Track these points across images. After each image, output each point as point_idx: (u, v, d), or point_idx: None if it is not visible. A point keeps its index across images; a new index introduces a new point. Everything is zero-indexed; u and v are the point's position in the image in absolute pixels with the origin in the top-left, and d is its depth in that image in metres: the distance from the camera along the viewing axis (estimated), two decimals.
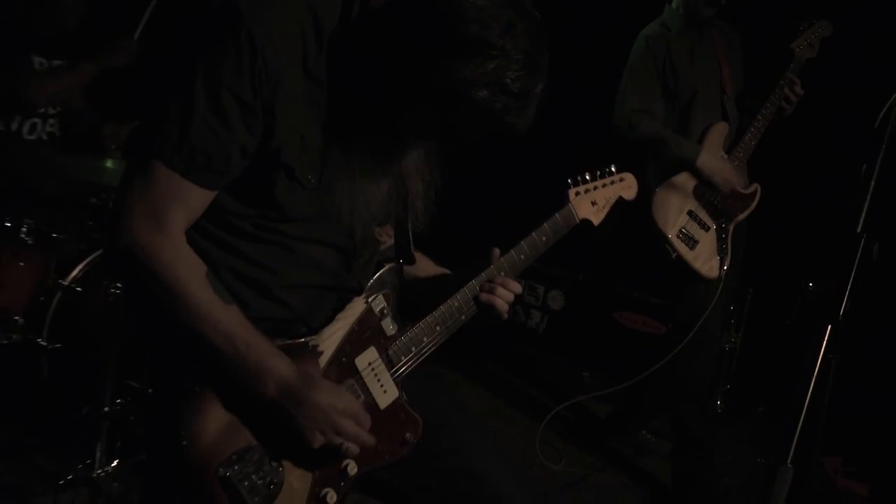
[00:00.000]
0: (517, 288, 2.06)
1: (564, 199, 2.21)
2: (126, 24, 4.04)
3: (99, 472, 3.20)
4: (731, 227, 3.96)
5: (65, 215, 3.80)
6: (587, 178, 2.26)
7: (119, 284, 3.27)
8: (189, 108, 1.65)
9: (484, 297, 2.02)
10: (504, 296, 2.03)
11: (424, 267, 2.14)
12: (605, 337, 5.76)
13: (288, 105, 1.70)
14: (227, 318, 1.70)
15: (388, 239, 2.11)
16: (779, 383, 5.43)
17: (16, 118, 4.00)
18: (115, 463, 3.26)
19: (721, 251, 3.92)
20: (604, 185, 2.29)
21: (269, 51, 1.64)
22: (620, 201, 2.35)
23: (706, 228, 3.89)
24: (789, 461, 2.10)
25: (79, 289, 3.63)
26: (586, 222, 2.26)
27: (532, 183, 4.57)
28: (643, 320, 5.68)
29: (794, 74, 3.85)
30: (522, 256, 2.10)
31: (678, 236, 3.84)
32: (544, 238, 2.13)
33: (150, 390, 3.19)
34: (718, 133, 3.95)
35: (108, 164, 3.57)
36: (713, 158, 3.85)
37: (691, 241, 3.85)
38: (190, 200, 1.70)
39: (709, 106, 3.98)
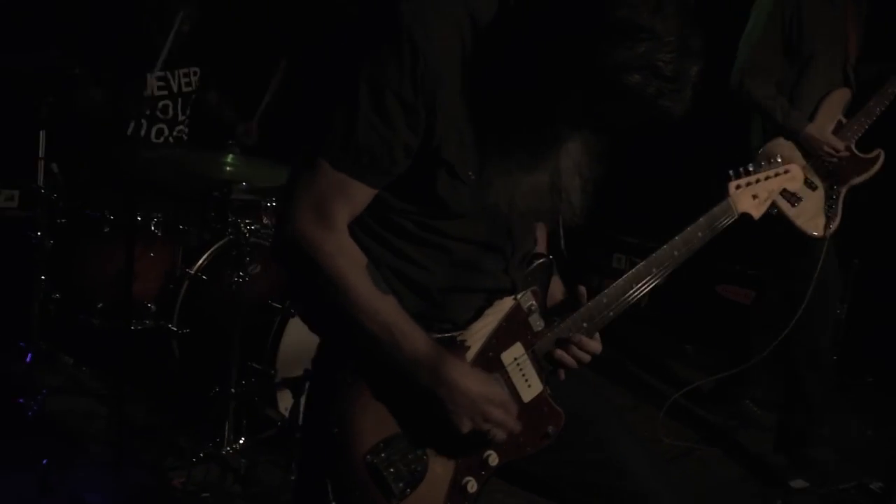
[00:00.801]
0: (595, 348, 1.97)
1: (724, 193, 2.12)
2: (232, 28, 4.27)
3: (227, 449, 3.42)
4: (844, 190, 3.91)
5: (189, 208, 4.05)
6: (750, 169, 2.16)
7: (241, 273, 3.48)
8: (354, 109, 1.69)
9: (558, 353, 1.96)
10: (579, 356, 1.96)
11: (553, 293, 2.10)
12: (709, 311, 5.79)
13: (447, 103, 1.72)
14: (384, 308, 1.76)
15: (543, 237, 2.13)
16: (888, 353, 5.42)
17: (142, 123, 4.28)
18: (241, 440, 3.48)
19: (829, 211, 3.86)
20: (766, 178, 2.18)
21: (429, 52, 1.67)
22: (784, 193, 2.27)
23: (813, 187, 3.85)
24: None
25: (204, 277, 3.86)
26: (746, 216, 2.17)
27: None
28: (746, 293, 5.68)
29: None
30: (676, 252, 2.02)
31: (780, 193, 3.80)
32: (700, 234, 2.05)
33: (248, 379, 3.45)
34: (838, 101, 3.88)
35: (229, 159, 3.77)
36: (821, 129, 3.79)
37: (794, 198, 3.63)
38: (354, 197, 1.76)
39: (830, 71, 3.90)
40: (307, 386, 2.29)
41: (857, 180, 3.93)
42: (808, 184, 3.86)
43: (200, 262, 3.90)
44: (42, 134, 3.58)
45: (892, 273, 5.41)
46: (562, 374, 2.01)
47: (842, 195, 3.91)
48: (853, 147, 3.89)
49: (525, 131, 1.76)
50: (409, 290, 1.86)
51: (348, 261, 1.77)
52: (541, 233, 2.12)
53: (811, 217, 3.86)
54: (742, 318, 5.59)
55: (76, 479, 3.22)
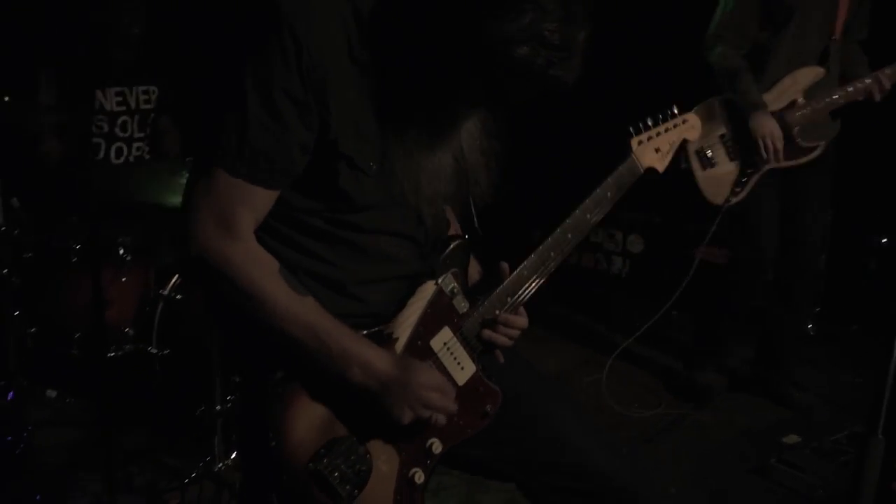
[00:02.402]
0: (522, 324, 2.00)
1: (626, 150, 2.12)
2: (181, 43, 4.22)
3: (220, 465, 3.41)
4: (765, 168, 3.92)
5: (156, 229, 4.01)
6: (649, 124, 2.16)
7: None
8: (243, 112, 1.67)
9: (487, 334, 1.98)
10: (508, 333, 1.99)
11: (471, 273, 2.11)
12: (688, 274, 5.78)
13: (339, 95, 1.71)
14: (305, 311, 1.75)
15: (454, 218, 2.13)
16: (871, 300, 5.44)
17: (100, 143, 4.24)
18: (233, 455, 3.47)
19: (737, 185, 3.93)
20: (667, 130, 2.18)
21: (313, 44, 1.66)
22: (684, 143, 2.25)
23: (731, 157, 3.90)
24: (880, 432, 2.00)
25: (178, 296, 3.84)
26: (651, 171, 2.17)
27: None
28: (725, 252, 5.68)
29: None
30: (588, 215, 2.04)
31: (696, 152, 3.87)
32: (609, 193, 2.07)
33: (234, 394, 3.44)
34: (802, 79, 3.85)
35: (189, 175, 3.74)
36: (767, 120, 3.80)
37: (708, 162, 3.87)
38: (256, 202, 1.74)
39: (805, 45, 3.87)
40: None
41: (784, 165, 3.94)
42: (729, 153, 3.91)
43: (173, 281, 3.88)
44: None
45: (867, 219, 5.42)
46: (499, 355, 2.03)
47: (759, 173, 3.94)
48: (795, 132, 3.87)
49: (422, 115, 1.76)
50: (327, 289, 1.85)
51: (260, 268, 1.75)
52: (450, 214, 2.11)
53: (717, 184, 3.93)
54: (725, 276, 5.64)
55: None
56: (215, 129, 1.71)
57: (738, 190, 3.94)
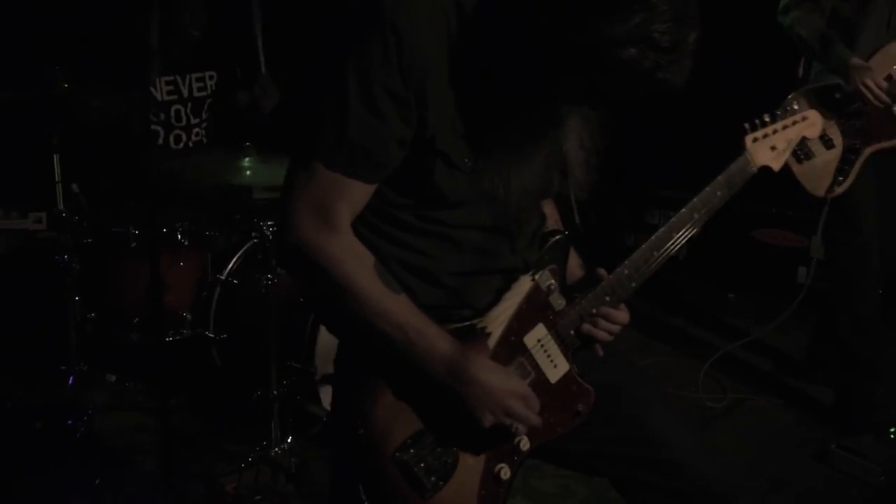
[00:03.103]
0: (623, 319, 1.96)
1: (740, 147, 2.06)
2: (243, 30, 4.23)
3: (276, 449, 3.44)
4: (867, 152, 3.67)
5: (213, 214, 4.05)
6: (766, 120, 2.09)
7: (269, 275, 3.48)
8: (343, 105, 1.67)
9: (586, 328, 1.95)
10: (608, 328, 1.95)
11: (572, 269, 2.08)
12: (747, 256, 5.73)
13: (438, 92, 1.69)
14: (396, 308, 1.76)
15: (552, 213, 2.10)
16: None
17: (159, 130, 4.27)
18: (289, 440, 3.50)
19: (840, 172, 3.67)
20: (784, 127, 2.11)
21: (414, 41, 1.64)
22: (803, 141, 2.18)
23: (829, 146, 3.66)
24: None
25: (235, 281, 3.88)
26: (766, 169, 2.10)
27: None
28: (783, 235, 5.62)
29: None
30: (696, 215, 1.99)
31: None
32: (719, 193, 2.01)
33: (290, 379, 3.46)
34: (895, 54, 3.60)
35: (246, 161, 3.76)
36: (865, 69, 3.52)
37: (806, 154, 3.65)
38: (353, 195, 1.74)
39: (892, 16, 3.64)
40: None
41: (886, 145, 3.67)
42: (825, 141, 3.66)
43: (230, 266, 3.92)
44: (56, 158, 3.58)
45: None
46: (599, 349, 2.00)
47: (862, 157, 3.67)
48: (894, 108, 3.58)
49: (520, 114, 1.73)
50: (421, 281, 1.85)
51: (355, 262, 1.76)
52: (550, 209, 2.08)
53: (817, 176, 3.69)
54: (781, 260, 5.57)
55: (129, 495, 3.28)
56: (315, 123, 1.72)
57: (841, 179, 3.70)
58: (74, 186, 3.75)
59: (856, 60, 3.54)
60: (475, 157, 1.75)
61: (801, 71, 3.91)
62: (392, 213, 1.82)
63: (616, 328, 1.97)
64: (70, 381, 3.74)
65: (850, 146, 3.68)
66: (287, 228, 1.76)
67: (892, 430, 3.62)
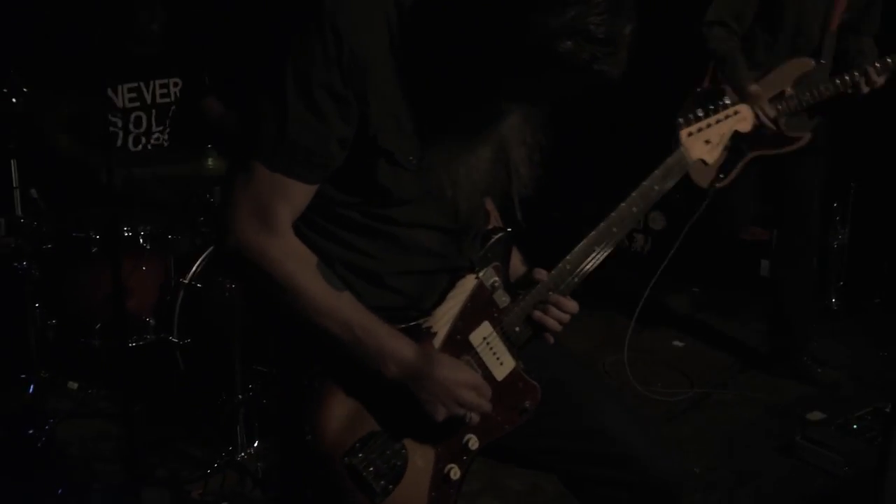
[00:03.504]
0: (573, 308, 1.97)
1: (675, 142, 2.09)
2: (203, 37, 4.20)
3: (242, 454, 3.41)
4: (752, 154, 4.06)
5: (176, 216, 4.00)
6: (699, 114, 2.12)
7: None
8: (283, 105, 1.67)
9: (537, 315, 1.96)
10: (558, 317, 1.96)
11: (515, 267, 2.09)
12: (710, 250, 5.75)
13: (379, 90, 1.69)
14: (341, 306, 1.75)
15: (494, 211, 2.11)
16: (894, 273, 5.39)
17: (118, 134, 4.22)
18: (255, 444, 3.47)
19: (724, 169, 4.04)
20: (717, 121, 2.14)
21: (354, 39, 1.65)
22: (735, 136, 2.20)
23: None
24: None
25: (199, 285, 3.84)
26: (701, 162, 2.14)
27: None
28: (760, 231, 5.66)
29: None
30: (634, 209, 2.01)
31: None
32: (656, 187, 2.03)
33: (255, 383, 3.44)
34: (791, 70, 3.91)
35: (209, 162, 3.73)
36: (758, 93, 3.83)
37: None
38: (293, 196, 1.73)
39: (799, 38, 3.92)
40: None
41: (768, 152, 4.05)
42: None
43: (193, 270, 3.87)
44: (14, 163, 3.53)
45: (890, 193, 5.36)
46: (549, 337, 2.00)
47: (745, 159, 4.07)
48: (781, 123, 3.92)
49: (463, 110, 1.73)
50: (365, 282, 1.84)
51: (298, 263, 1.75)
52: (491, 207, 2.09)
53: (704, 169, 3.94)
54: (746, 253, 5.61)
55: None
56: (254, 123, 1.72)
57: (722, 176, 4.06)
58: (33, 191, 3.70)
59: (752, 87, 3.84)
60: (420, 155, 1.75)
61: (706, 81, 4.22)
62: (337, 212, 1.81)
63: (566, 317, 1.98)
64: (31, 390, 3.69)
65: (737, 148, 4.00)
66: (226, 231, 1.74)
67: (856, 423, 3.67)
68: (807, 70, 3.90)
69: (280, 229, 1.73)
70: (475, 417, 1.85)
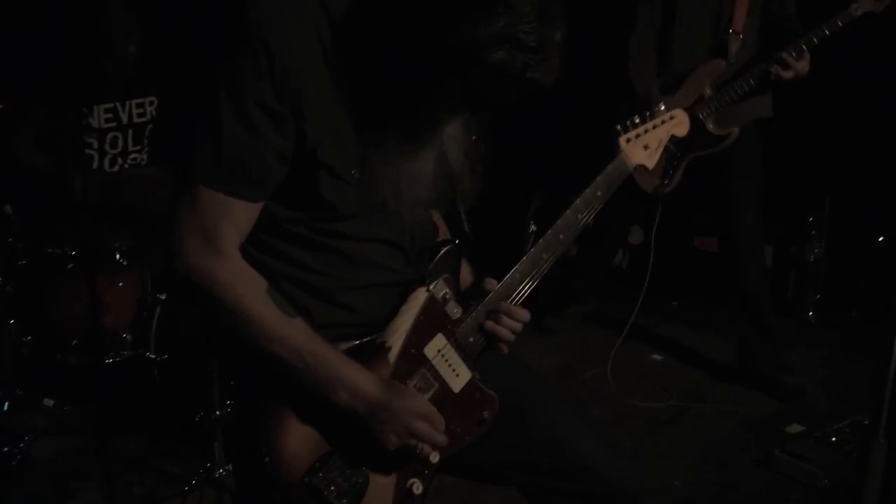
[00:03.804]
0: (525, 316, 1.97)
1: (615, 148, 2.12)
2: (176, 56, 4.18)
3: (220, 471, 3.38)
4: (688, 157, 4.18)
5: (150, 231, 3.98)
6: (636, 121, 2.15)
7: None
8: (217, 125, 1.65)
9: (489, 325, 1.96)
10: (511, 326, 1.96)
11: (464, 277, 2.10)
12: (689, 264, 5.79)
13: (315, 104, 1.68)
14: (292, 333, 1.74)
15: (441, 223, 2.10)
16: (870, 286, 5.43)
17: (93, 155, 4.19)
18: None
19: (666, 174, 4.18)
20: (654, 127, 2.18)
21: (285, 53, 1.64)
22: (673, 139, 2.24)
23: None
24: (881, 436, 1.94)
25: (176, 301, 3.81)
26: (641, 168, 2.18)
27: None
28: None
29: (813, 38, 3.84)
30: (579, 215, 2.02)
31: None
32: (599, 193, 2.05)
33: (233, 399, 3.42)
34: (704, 74, 4.06)
35: None
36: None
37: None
38: (237, 216, 1.72)
39: (694, 40, 4.11)
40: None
41: (702, 153, 4.15)
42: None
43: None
44: None
45: (865, 206, 5.41)
46: (504, 347, 2.00)
47: (684, 162, 4.18)
48: (708, 124, 4.06)
49: (400, 120, 1.73)
50: (315, 299, 1.83)
51: (247, 287, 1.73)
52: (438, 219, 2.09)
53: (649, 176, 4.07)
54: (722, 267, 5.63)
55: None
56: (192, 144, 1.70)
57: (667, 182, 4.19)
58: (7, 208, 3.67)
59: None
60: (362, 168, 1.75)
61: None
62: (283, 229, 1.80)
63: (518, 326, 1.98)
64: (5, 407, 3.65)
65: (674, 154, 4.13)
66: (174, 255, 1.71)
67: (834, 435, 3.68)
68: (719, 71, 4.05)
69: (226, 251, 1.71)
70: (426, 449, 1.84)
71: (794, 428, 3.87)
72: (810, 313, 5.44)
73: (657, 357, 4.96)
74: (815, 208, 5.31)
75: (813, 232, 5.35)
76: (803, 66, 3.86)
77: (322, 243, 1.81)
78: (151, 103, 4.33)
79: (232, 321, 1.73)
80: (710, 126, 4.07)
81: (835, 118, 4.28)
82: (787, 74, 3.88)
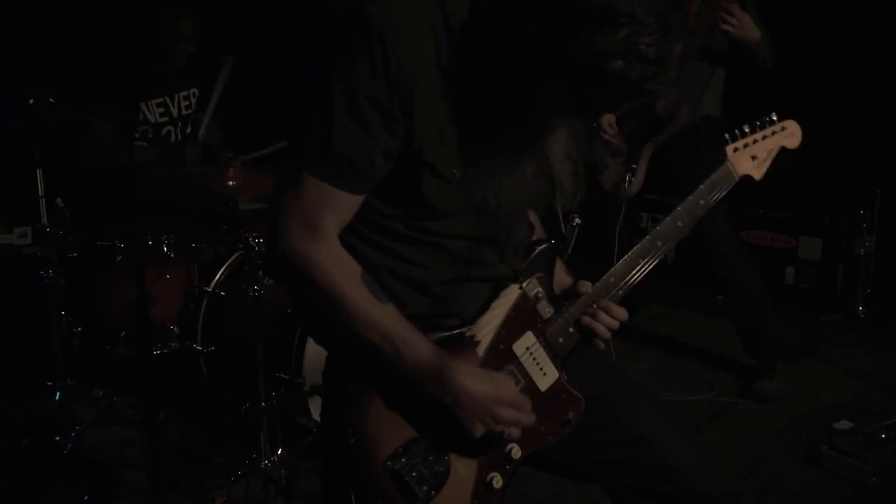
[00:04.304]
0: (622, 315, 1.96)
1: (722, 157, 2.11)
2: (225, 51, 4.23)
3: (266, 462, 3.42)
4: (647, 150, 4.12)
5: (200, 225, 4.03)
6: (746, 130, 2.14)
7: (256, 286, 3.46)
8: (329, 118, 1.68)
9: (586, 320, 1.95)
10: (608, 322, 1.95)
11: (560, 279, 2.08)
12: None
13: (425, 103, 1.69)
14: (383, 318, 1.76)
15: (538, 223, 2.11)
16: None
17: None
18: (279, 452, 3.48)
19: (629, 173, 4.10)
20: (764, 137, 2.16)
21: (401, 53, 1.65)
22: (783, 151, 2.20)
23: (617, 154, 4.13)
24: None
25: (222, 293, 3.87)
26: (747, 178, 2.15)
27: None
28: (771, 236, 5.64)
29: None
30: (680, 223, 2.01)
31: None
32: (702, 202, 2.04)
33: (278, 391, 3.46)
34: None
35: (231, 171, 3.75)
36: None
37: (602, 164, 4.16)
38: (340, 206, 1.75)
39: None
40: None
41: (660, 138, 4.12)
42: (614, 151, 4.12)
43: (217, 278, 3.90)
44: (39, 173, 3.56)
45: None
46: (599, 343, 1.99)
47: (641, 157, 4.13)
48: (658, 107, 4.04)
49: (508, 125, 1.73)
50: (410, 289, 1.85)
51: (342, 272, 1.76)
52: (535, 219, 2.09)
53: (615, 180, 4.15)
54: (769, 260, 5.58)
55: None
56: (303, 134, 1.73)
57: (631, 178, 4.11)
58: (59, 201, 3.73)
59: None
60: (464, 167, 1.75)
61: None
62: (381, 223, 1.82)
63: (615, 323, 1.96)
64: (57, 397, 3.73)
65: (632, 149, 4.12)
66: (275, 237, 1.76)
67: (884, 432, 3.63)
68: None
69: (326, 236, 1.75)
70: (514, 433, 1.84)
71: (843, 424, 3.79)
72: (860, 308, 5.37)
73: (702, 350, 4.92)
74: (866, 201, 5.23)
75: (864, 225, 5.27)
76: (741, 16, 3.78)
77: (418, 238, 1.83)
78: (195, 95, 4.39)
79: (326, 303, 1.76)
80: (660, 108, 4.05)
81: (886, 110, 4.20)
82: (734, 24, 3.77)
